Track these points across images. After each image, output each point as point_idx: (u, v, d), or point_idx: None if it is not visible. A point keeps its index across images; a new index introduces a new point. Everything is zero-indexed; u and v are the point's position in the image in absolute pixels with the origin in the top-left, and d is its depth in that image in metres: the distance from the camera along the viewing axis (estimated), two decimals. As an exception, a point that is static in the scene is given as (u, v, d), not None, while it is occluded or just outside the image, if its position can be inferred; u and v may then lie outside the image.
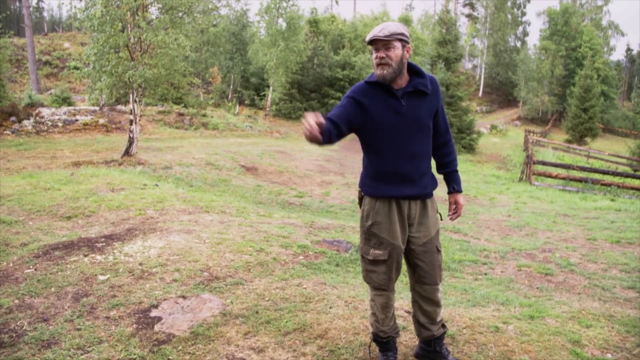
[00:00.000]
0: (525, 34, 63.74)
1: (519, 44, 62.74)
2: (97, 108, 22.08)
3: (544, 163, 17.44)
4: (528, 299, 4.51)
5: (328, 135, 2.62)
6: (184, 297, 4.00)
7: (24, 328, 3.54)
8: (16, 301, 3.97)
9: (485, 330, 3.50)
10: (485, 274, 5.50)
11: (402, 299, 4.17)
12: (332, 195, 11.43)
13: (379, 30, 2.68)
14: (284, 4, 29.78)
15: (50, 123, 20.14)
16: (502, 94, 60.13)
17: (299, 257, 5.22)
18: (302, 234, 6.10)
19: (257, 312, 3.74)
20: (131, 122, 14.03)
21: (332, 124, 2.67)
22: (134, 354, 3.19)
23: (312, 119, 2.41)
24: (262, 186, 11.90)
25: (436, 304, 2.97)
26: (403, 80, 2.78)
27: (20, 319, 3.67)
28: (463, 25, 67.40)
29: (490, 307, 4.11)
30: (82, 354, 3.19)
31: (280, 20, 30.03)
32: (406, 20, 55.17)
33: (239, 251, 5.13)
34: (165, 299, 3.96)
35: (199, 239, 5.49)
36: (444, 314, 3.07)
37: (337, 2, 72.70)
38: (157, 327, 3.53)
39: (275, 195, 10.88)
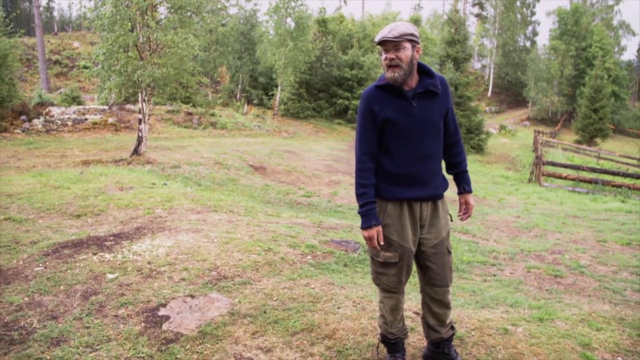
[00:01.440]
0: (535, 33, 63.44)
1: (528, 43, 62.46)
2: (106, 107, 22.17)
3: (553, 164, 17.34)
4: (537, 301, 4.48)
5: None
6: (192, 296, 4.01)
7: (33, 325, 3.56)
8: (26, 299, 4.00)
9: (494, 332, 3.48)
10: (494, 275, 5.48)
11: (410, 299, 4.15)
12: (340, 195, 11.41)
13: (388, 31, 2.66)
14: (293, 4, 29.76)
15: (60, 122, 20.25)
16: (511, 94, 59.86)
17: (307, 257, 5.21)
18: (310, 234, 6.10)
19: (265, 312, 3.74)
20: (140, 121, 14.08)
21: (374, 161, 2.84)
22: (142, 353, 3.20)
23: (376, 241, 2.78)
24: (270, 186, 11.89)
25: (446, 306, 2.95)
26: (413, 81, 2.77)
27: (30, 316, 3.70)
28: (472, 25, 67.19)
29: (499, 309, 4.09)
30: (90, 352, 3.21)
31: (289, 20, 30.02)
32: (416, 21, 55.05)
33: (247, 251, 5.14)
34: (173, 298, 3.97)
35: (207, 238, 5.50)
36: (452, 315, 3.05)
37: (345, 2, 72.69)
38: (165, 326, 3.54)
39: (283, 195, 10.87)
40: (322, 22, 37.39)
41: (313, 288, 4.27)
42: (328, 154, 18.91)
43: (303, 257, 5.17)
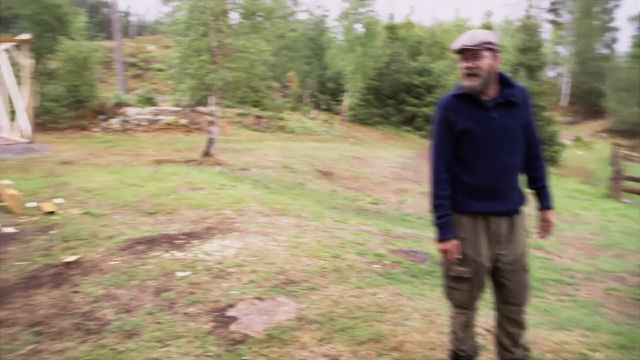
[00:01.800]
0: (614, 40, 60.35)
1: (606, 51, 59.56)
2: (178, 109, 22.90)
3: (634, 179, 16.42)
4: (618, 325, 4.22)
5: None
6: (259, 299, 4.04)
7: (109, 317, 3.69)
8: (102, 291, 4.16)
9: (571, 356, 3.31)
10: (570, 295, 5.22)
11: (482, 315, 4.01)
12: (408, 204, 11.26)
13: (467, 39, 2.60)
14: (362, 10, 29.74)
15: (135, 122, 21.10)
16: (587, 104, 57.19)
17: (374, 265, 5.15)
18: (377, 242, 6.02)
19: (331, 319, 3.71)
20: (211, 123, 14.44)
21: (450, 172, 2.76)
22: (211, 352, 3.24)
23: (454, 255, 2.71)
24: (338, 191, 11.90)
25: (521, 325, 2.83)
26: (492, 91, 2.68)
27: (105, 308, 3.85)
28: (546, 32, 64.77)
29: (576, 332, 3.87)
30: (161, 347, 3.29)
31: (358, 25, 30.01)
32: (487, 27, 53.69)
33: (315, 256, 5.13)
34: (241, 300, 4.01)
35: (275, 242, 5.54)
36: (527, 336, 2.91)
37: (413, 9, 72.01)
38: (233, 327, 3.58)
39: (351, 201, 10.84)
40: (391, 28, 37.02)
41: (380, 298, 4.21)
42: (396, 161, 18.71)
43: (370, 266, 5.11)
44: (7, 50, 15.59)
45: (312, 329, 3.56)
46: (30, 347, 3.30)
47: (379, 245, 5.88)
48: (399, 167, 17.45)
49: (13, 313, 3.79)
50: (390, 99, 33.48)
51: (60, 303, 3.96)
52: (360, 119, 31.10)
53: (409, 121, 32.72)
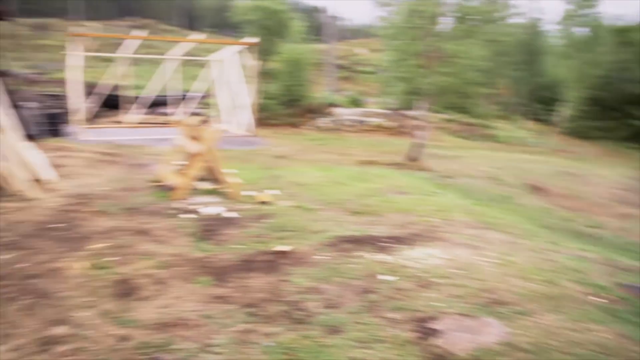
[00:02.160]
0: None
1: None
2: (385, 111, 23.35)
3: None
4: None
5: None
6: (465, 315, 3.86)
7: (314, 310, 3.84)
8: (309, 283, 4.36)
9: None
10: None
11: None
12: (634, 232, 9.94)
13: None
14: (585, 12, 27.11)
15: (343, 122, 22.05)
16: None
17: (594, 298, 4.59)
18: (598, 272, 5.36)
19: (544, 351, 3.40)
20: (418, 127, 14.41)
21: None
22: (411, 362, 3.17)
23: None
24: (549, 209, 11.00)
25: None
26: None
27: (311, 300, 4.01)
28: None
29: None
30: (362, 348, 3.32)
31: (580, 29, 27.44)
32: None
33: (525, 278, 4.75)
34: (445, 313, 3.88)
35: (483, 257, 5.26)
36: None
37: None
38: (435, 340, 3.48)
39: (565, 222, 9.92)
40: (621, 32, 33.12)
41: (602, 336, 3.72)
42: (618, 181, 16.68)
43: (589, 297, 4.57)
44: (238, 53, 17.46)
45: (522, 357, 3.29)
46: (243, 325, 3.57)
47: (599, 276, 5.23)
48: (623, 188, 15.52)
49: (230, 292, 4.16)
50: (614, 112, 30.00)
51: (271, 289, 4.24)
52: (578, 132, 28.46)
53: (636, 137, 28.94)
